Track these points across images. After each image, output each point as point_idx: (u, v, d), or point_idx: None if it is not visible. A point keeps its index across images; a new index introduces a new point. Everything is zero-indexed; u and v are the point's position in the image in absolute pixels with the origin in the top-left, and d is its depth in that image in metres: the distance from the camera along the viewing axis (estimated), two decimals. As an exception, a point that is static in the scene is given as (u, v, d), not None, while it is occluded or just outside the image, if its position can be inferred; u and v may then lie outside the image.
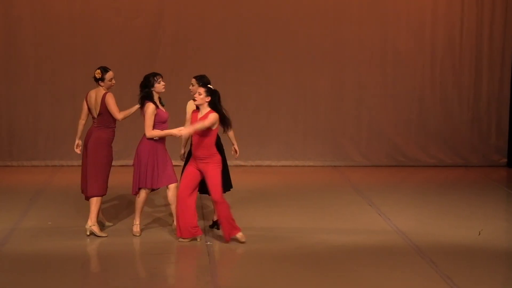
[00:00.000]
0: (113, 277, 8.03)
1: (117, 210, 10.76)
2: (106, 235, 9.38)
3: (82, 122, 9.71)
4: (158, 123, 9.31)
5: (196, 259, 8.79)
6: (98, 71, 9.54)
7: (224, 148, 9.53)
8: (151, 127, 9.27)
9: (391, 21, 14.76)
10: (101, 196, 9.49)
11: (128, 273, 8.19)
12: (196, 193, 9.20)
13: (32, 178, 13.30)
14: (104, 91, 9.48)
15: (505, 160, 15.08)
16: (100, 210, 9.71)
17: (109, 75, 9.54)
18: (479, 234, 9.64)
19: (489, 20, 14.85)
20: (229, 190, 9.76)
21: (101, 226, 9.67)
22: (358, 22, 14.71)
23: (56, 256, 8.60)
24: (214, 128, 9.00)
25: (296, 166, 14.64)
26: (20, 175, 13.62)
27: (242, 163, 14.49)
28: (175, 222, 9.37)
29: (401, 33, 14.79)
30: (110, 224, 9.90)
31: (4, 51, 14.30)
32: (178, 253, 8.99)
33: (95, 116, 9.50)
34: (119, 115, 9.43)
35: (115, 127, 9.58)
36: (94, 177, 9.43)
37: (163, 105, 9.47)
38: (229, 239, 9.14)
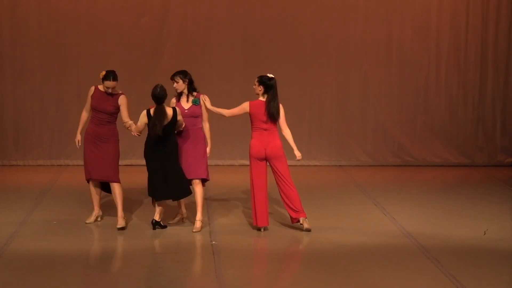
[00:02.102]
0: (118, 276, 8.04)
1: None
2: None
3: None
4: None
5: (201, 258, 8.79)
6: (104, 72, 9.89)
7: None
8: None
9: (396, 20, 14.75)
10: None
11: (133, 272, 8.20)
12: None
13: (38, 177, 13.32)
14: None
15: (510, 159, 15.06)
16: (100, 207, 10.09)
17: (106, 83, 9.85)
18: (485, 233, 9.64)
19: (494, 19, 14.83)
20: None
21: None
22: (363, 21, 14.71)
23: (61, 256, 8.61)
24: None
25: (301, 165, 14.62)
26: (25, 174, 13.64)
27: (247, 162, 14.45)
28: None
29: (406, 33, 14.78)
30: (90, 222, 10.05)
31: (10, 50, 14.32)
32: (183, 253, 8.99)
33: None
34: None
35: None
36: None
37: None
38: None
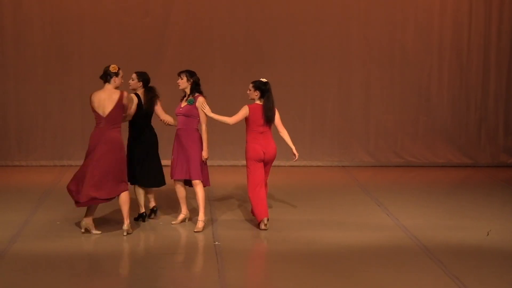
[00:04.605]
0: (120, 277, 8.04)
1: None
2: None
3: None
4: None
5: (204, 258, 8.80)
6: (115, 65, 9.54)
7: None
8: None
9: (399, 20, 14.75)
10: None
11: (136, 273, 8.21)
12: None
13: (40, 177, 13.33)
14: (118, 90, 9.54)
15: (513, 160, 15.09)
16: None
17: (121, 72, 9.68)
18: (488, 234, 9.64)
19: (497, 20, 14.83)
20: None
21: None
22: (366, 22, 14.71)
23: (64, 256, 8.61)
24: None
25: (304, 166, 14.64)
26: (28, 174, 13.65)
27: (249, 163, 14.48)
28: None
29: (409, 33, 14.78)
30: (98, 232, 9.67)
31: (13, 50, 14.33)
32: (185, 253, 9.00)
33: (104, 116, 9.45)
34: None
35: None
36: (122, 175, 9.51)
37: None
38: None
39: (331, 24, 14.67)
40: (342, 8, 14.67)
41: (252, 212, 10.04)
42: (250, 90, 9.95)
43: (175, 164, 9.84)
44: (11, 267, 8.18)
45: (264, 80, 9.94)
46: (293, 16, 14.60)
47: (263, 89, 9.88)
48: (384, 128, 14.90)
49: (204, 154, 9.77)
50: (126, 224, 9.40)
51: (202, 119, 9.77)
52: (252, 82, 9.96)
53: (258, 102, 9.90)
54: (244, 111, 9.88)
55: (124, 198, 9.38)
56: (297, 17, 14.61)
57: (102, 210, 10.55)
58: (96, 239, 9.35)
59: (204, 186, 9.84)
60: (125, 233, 9.38)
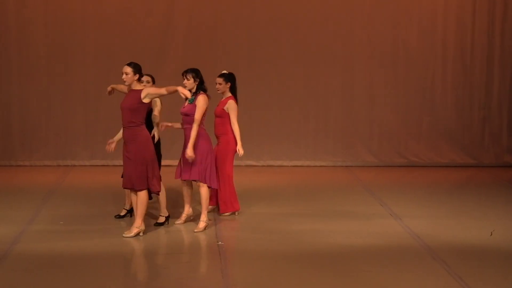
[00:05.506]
0: (124, 277, 8.04)
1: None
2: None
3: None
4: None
5: (207, 259, 8.80)
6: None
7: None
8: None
9: (402, 20, 14.75)
10: None
11: (139, 272, 8.21)
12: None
13: (44, 177, 13.34)
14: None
15: (516, 160, 15.07)
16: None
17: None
18: (491, 234, 9.63)
19: (500, 19, 14.82)
20: None
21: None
22: (369, 21, 14.71)
23: (67, 256, 8.61)
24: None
25: (308, 166, 14.64)
26: (31, 174, 13.67)
27: (253, 163, 14.51)
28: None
29: (412, 33, 14.78)
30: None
31: (17, 51, 14.37)
32: (189, 253, 9.00)
33: None
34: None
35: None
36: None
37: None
38: None
39: (335, 25, 14.68)
40: (345, 9, 14.68)
41: (231, 204, 10.38)
42: (221, 84, 10.23)
43: (178, 163, 9.86)
44: (14, 267, 8.17)
45: (227, 72, 10.33)
46: (297, 17, 14.61)
47: (234, 79, 10.28)
48: (388, 128, 14.89)
49: (188, 152, 9.51)
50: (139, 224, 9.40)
51: (196, 116, 9.58)
52: (221, 76, 10.27)
53: (229, 94, 10.25)
54: (235, 106, 10.21)
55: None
56: (301, 18, 14.62)
57: (104, 210, 10.55)
58: (98, 239, 9.35)
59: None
60: (141, 233, 9.41)
